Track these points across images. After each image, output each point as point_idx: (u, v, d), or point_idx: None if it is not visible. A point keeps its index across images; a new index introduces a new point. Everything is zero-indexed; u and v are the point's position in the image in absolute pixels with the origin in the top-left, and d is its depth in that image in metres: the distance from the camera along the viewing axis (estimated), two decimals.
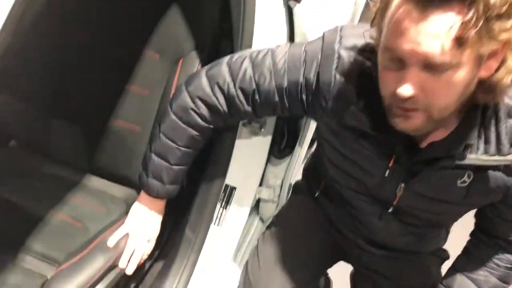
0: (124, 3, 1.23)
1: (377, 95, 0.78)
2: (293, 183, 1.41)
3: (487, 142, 0.80)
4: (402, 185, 0.92)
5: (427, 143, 0.85)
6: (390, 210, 0.99)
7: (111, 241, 1.05)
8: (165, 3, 1.22)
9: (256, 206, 1.49)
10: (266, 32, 1.09)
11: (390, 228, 1.05)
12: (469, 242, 1.11)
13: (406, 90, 0.69)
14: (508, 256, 1.03)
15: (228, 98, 0.95)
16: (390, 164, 0.89)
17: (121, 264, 1.04)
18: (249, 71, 0.93)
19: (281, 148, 1.35)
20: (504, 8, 0.63)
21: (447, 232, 1.20)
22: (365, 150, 0.91)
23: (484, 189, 0.87)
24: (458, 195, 0.89)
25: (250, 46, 1.06)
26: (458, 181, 0.86)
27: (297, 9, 1.13)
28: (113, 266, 1.04)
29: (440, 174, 0.87)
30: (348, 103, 0.85)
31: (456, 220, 1.10)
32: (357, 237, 1.16)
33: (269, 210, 1.48)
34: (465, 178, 0.86)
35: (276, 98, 0.92)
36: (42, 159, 1.35)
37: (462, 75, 0.68)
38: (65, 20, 1.28)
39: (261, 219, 1.52)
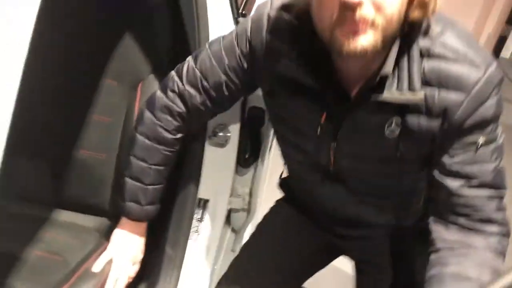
0: (78, 33, 1.25)
1: (307, 45, 0.83)
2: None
3: (399, 79, 0.81)
4: (334, 144, 0.92)
5: (356, 91, 0.86)
6: (330, 175, 0.98)
7: (95, 267, 1.06)
8: (118, 30, 1.25)
9: (228, 217, 1.54)
10: None
11: (340, 196, 1.04)
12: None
13: None
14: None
15: (181, 96, 1.00)
16: (322, 121, 0.90)
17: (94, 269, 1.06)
18: (191, 64, 1.00)
19: (246, 157, 1.41)
20: None
21: (418, 204, 1.06)
22: (299, 108, 0.92)
23: (414, 137, 0.85)
24: (390, 148, 0.88)
25: None
26: (385, 130, 0.85)
27: None
28: None
29: (363, 121, 0.87)
30: (280, 56, 0.89)
31: (408, 187, 1.01)
32: (325, 220, 1.16)
33: (240, 220, 1.53)
34: (393, 126, 0.85)
35: (223, 76, 0.96)
36: (8, 199, 1.33)
37: None
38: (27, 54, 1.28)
39: (233, 230, 1.57)
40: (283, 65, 0.88)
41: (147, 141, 1.04)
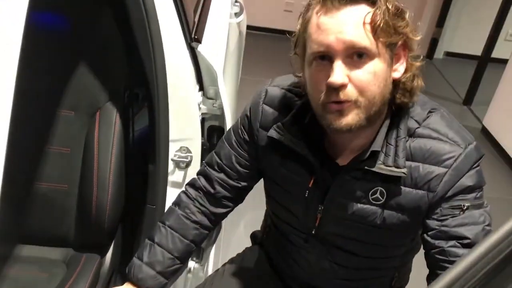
0: (32, 68, 1.25)
1: (299, 117, 0.93)
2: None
3: (386, 155, 0.90)
4: (321, 207, 0.98)
5: (347, 160, 0.94)
6: (315, 237, 1.03)
7: None
8: (72, 62, 1.26)
9: None
10: (176, 71, 1.20)
11: (321, 265, 1.07)
12: None
13: (336, 77, 0.81)
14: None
15: (205, 176, 1.09)
16: (310, 184, 0.97)
17: None
18: (212, 152, 1.10)
19: None
20: (399, 12, 0.83)
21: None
22: (289, 172, 0.99)
23: (398, 205, 0.92)
24: (373, 214, 0.94)
25: (165, 85, 1.15)
26: (370, 196, 0.93)
27: (199, 48, 1.26)
28: None
29: (349, 187, 0.93)
30: (274, 123, 0.97)
31: (392, 254, 1.07)
32: (297, 283, 1.18)
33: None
34: (378, 195, 0.92)
35: (232, 151, 1.05)
36: None
37: (380, 67, 0.82)
38: None
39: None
40: (276, 131, 0.96)
41: (173, 231, 1.08)
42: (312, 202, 0.99)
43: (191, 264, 1.51)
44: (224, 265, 1.28)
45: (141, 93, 1.31)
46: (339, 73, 0.81)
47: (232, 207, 1.13)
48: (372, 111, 0.85)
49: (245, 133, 1.04)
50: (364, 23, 0.80)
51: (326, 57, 0.83)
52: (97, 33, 1.26)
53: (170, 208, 1.11)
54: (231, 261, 1.29)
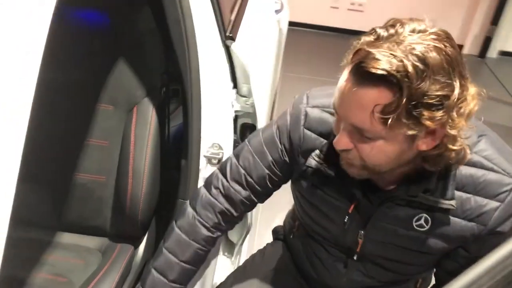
0: (73, 63, 1.30)
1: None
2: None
3: (436, 189, 0.86)
4: (362, 232, 0.97)
5: (390, 187, 0.91)
6: (354, 258, 1.02)
7: None
8: (111, 57, 1.30)
9: None
10: (210, 69, 1.21)
11: (353, 277, 1.07)
12: None
13: (338, 142, 0.81)
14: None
15: (225, 192, 1.05)
16: (350, 210, 0.95)
17: None
18: (234, 161, 1.05)
19: None
20: (435, 99, 0.69)
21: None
22: (327, 196, 0.97)
23: (443, 235, 0.90)
24: (417, 240, 0.92)
25: (198, 82, 1.17)
26: (414, 223, 0.90)
27: (233, 47, 1.27)
28: None
29: (393, 213, 0.91)
30: (315, 148, 0.95)
31: (420, 273, 1.08)
32: (321, 285, 1.17)
33: (237, 234, 1.57)
34: (422, 222, 0.89)
35: (266, 171, 1.02)
36: (13, 225, 1.36)
37: (391, 147, 0.76)
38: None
39: (230, 241, 1.60)
40: (315, 160, 0.94)
41: (183, 235, 1.06)
42: (351, 227, 0.98)
43: (222, 259, 1.53)
44: (245, 261, 1.29)
45: (177, 90, 1.33)
46: (341, 140, 0.80)
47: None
48: (383, 172, 0.83)
49: (285, 156, 1.01)
50: (373, 112, 0.72)
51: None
52: (136, 29, 1.29)
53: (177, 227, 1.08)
54: (253, 257, 1.30)
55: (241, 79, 1.32)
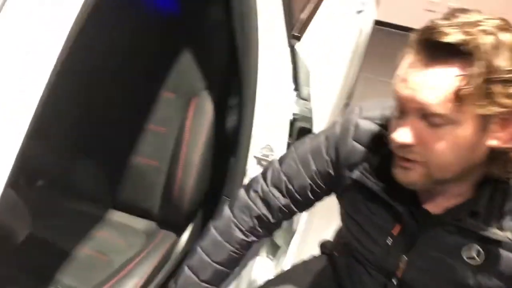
0: (141, 47, 1.33)
1: (388, 159, 0.81)
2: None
3: (489, 214, 0.77)
4: (405, 257, 0.89)
5: (439, 209, 0.83)
6: (394, 283, 0.94)
7: None
8: (178, 47, 1.30)
9: None
10: (272, 67, 1.17)
11: None
12: None
13: (400, 135, 0.71)
14: None
15: (263, 197, 1.01)
16: (394, 232, 0.88)
17: None
18: (276, 166, 1.01)
19: None
20: (510, 74, 0.64)
21: None
22: (371, 214, 0.91)
23: (498, 270, 0.80)
24: (466, 273, 0.83)
25: (255, 80, 1.14)
26: (462, 253, 0.81)
27: (297, 47, 1.21)
28: None
29: (440, 240, 0.83)
30: (361, 162, 0.88)
31: None
32: None
33: (282, 236, 1.53)
34: (474, 253, 0.80)
35: (308, 181, 0.96)
36: (68, 197, 1.44)
37: (462, 134, 0.68)
38: (89, 66, 1.38)
39: (275, 244, 1.57)
40: (361, 173, 0.88)
41: (218, 236, 1.03)
42: (394, 250, 0.90)
43: (265, 260, 1.50)
44: (287, 270, 1.25)
45: (236, 86, 1.30)
46: (403, 132, 0.72)
47: None
48: (447, 177, 0.74)
49: (330, 168, 0.95)
50: (445, 89, 0.67)
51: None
52: (204, 22, 1.28)
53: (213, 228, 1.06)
54: (296, 267, 1.25)
55: (303, 81, 1.26)
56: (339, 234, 1.22)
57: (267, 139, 1.23)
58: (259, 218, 1.02)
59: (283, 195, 1.00)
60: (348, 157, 0.91)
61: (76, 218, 1.38)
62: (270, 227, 1.06)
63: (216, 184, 1.32)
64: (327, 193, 1.01)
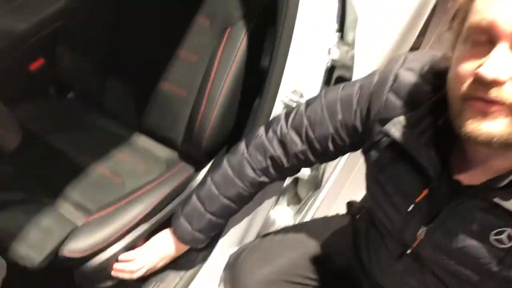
0: None
1: (429, 116, 0.71)
2: None
3: None
4: (424, 229, 0.78)
5: (474, 181, 0.70)
6: (409, 258, 0.85)
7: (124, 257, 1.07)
8: None
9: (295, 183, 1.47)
10: (314, 2, 1.04)
11: (406, 278, 0.90)
12: None
13: (490, 67, 0.57)
14: None
15: (281, 139, 0.93)
16: (418, 199, 0.77)
17: (120, 257, 1.07)
18: (301, 109, 0.92)
19: None
20: None
21: None
22: (397, 176, 0.80)
23: None
24: (490, 258, 0.72)
25: (294, 16, 1.02)
26: (492, 236, 0.70)
27: None
28: (138, 225, 1.09)
29: (468, 216, 0.72)
30: (396, 118, 0.77)
31: None
32: (369, 280, 1.03)
33: (305, 189, 1.45)
34: (504, 237, 0.69)
35: (331, 130, 0.88)
36: (96, 113, 1.43)
37: None
38: None
39: (298, 197, 1.50)
40: (395, 127, 0.76)
41: (229, 170, 0.99)
42: (414, 220, 0.79)
43: (285, 210, 1.45)
44: (308, 221, 1.19)
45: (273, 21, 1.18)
46: (497, 63, 0.57)
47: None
48: None
49: (358, 121, 0.84)
50: None
51: (486, 37, 0.59)
52: None
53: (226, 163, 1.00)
54: (317, 220, 1.20)
55: (349, 23, 1.12)
56: (364, 197, 1.13)
57: (298, 84, 1.12)
58: (273, 159, 0.95)
59: (302, 141, 0.91)
60: (381, 110, 0.80)
61: (99, 136, 1.38)
62: (283, 171, 0.98)
63: (240, 124, 1.25)
64: (349, 148, 0.91)
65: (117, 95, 1.41)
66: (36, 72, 1.38)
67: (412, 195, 0.78)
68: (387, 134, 0.77)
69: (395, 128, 0.76)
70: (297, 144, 0.92)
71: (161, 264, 1.07)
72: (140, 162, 1.33)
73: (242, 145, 1.00)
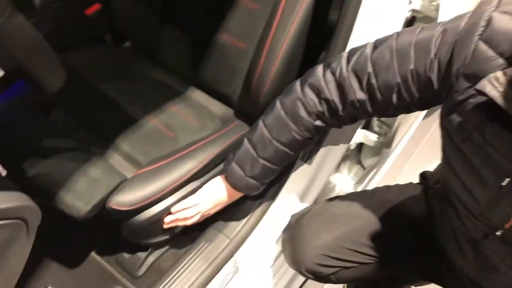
0: None
1: None
2: None
3: None
4: None
5: None
6: (497, 234, 0.74)
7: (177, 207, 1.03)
8: None
9: (358, 150, 1.36)
10: None
11: (493, 261, 0.79)
12: None
13: None
14: None
15: (339, 83, 0.82)
16: None
17: (173, 209, 1.02)
18: (367, 51, 0.79)
19: None
20: None
21: None
22: (488, 146, 0.67)
23: None
24: None
25: None
26: None
27: None
28: (188, 182, 1.03)
29: None
30: (488, 72, 0.64)
31: None
32: (444, 261, 0.94)
33: (370, 157, 1.34)
34: None
35: (398, 79, 0.75)
36: (152, 64, 1.37)
37: None
38: None
39: (361, 164, 1.39)
40: (491, 84, 0.63)
41: (282, 113, 0.90)
42: (507, 196, 0.67)
43: (345, 178, 1.35)
44: (377, 188, 1.10)
45: None
46: None
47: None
48: None
49: (435, 72, 0.71)
50: None
51: None
52: None
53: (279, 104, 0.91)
54: (387, 188, 1.09)
55: None
56: (439, 169, 1.00)
57: (371, 37, 0.99)
58: (328, 103, 0.85)
59: (361, 88, 0.80)
60: (467, 62, 0.67)
61: (153, 88, 1.32)
62: (339, 118, 0.87)
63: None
64: (417, 105, 0.78)
65: (173, 47, 1.34)
66: (92, 17, 1.34)
67: (507, 168, 0.65)
68: (479, 93, 0.64)
69: (491, 85, 0.62)
70: (356, 92, 0.80)
71: (215, 210, 1.04)
72: (194, 118, 1.27)
73: (297, 84, 0.90)
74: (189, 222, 1.02)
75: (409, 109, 0.80)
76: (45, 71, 0.69)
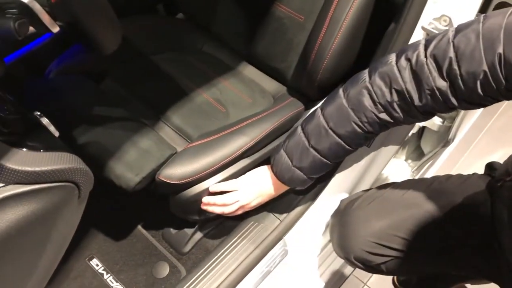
0: None
1: None
2: None
3: None
4: None
5: None
6: None
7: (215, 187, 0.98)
8: None
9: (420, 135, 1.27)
10: None
11: None
12: None
13: None
14: None
15: (415, 70, 0.73)
16: None
17: (211, 188, 0.97)
18: (449, 35, 0.70)
19: None
20: None
21: None
22: None
23: None
24: None
25: None
26: None
27: None
28: (239, 159, 0.98)
29: None
30: None
31: None
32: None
33: (431, 143, 1.25)
34: None
35: (484, 66, 0.66)
36: (204, 37, 1.33)
37: None
38: None
39: (421, 151, 1.30)
40: None
41: (344, 101, 0.81)
42: None
43: (403, 164, 1.27)
44: (435, 176, 1.01)
45: None
46: None
47: None
48: None
49: (501, 69, 0.63)
50: None
51: None
52: None
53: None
54: (448, 177, 1.00)
55: None
56: (510, 160, 0.90)
57: (447, 7, 0.90)
58: (400, 93, 0.76)
59: (441, 75, 0.71)
60: None
61: (205, 61, 1.28)
62: (411, 111, 0.78)
63: (366, 56, 1.06)
64: (504, 94, 0.68)
65: (227, 20, 1.28)
66: None
67: None
68: None
69: None
70: (435, 79, 0.71)
71: (255, 202, 0.97)
72: (246, 93, 1.22)
73: (365, 73, 0.81)
74: (226, 210, 0.95)
75: (493, 99, 0.71)
76: (103, 30, 0.65)
